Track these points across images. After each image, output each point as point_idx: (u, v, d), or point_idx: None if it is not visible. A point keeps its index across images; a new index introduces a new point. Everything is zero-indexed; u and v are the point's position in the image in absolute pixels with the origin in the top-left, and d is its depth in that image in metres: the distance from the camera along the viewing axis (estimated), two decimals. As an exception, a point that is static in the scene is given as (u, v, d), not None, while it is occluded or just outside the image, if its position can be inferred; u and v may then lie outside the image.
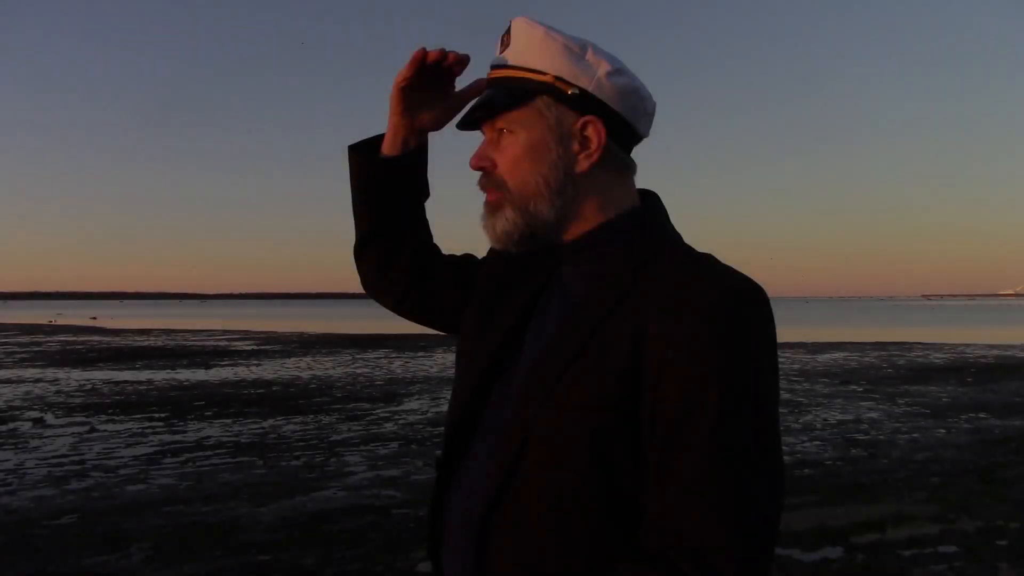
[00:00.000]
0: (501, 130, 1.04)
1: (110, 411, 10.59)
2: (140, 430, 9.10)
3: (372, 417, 10.03)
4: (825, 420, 9.63)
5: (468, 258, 1.28)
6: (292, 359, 19.63)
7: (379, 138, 1.20)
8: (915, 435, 8.58)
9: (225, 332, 35.12)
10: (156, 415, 10.22)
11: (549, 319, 1.04)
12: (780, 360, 1.32)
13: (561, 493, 0.93)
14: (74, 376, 15.37)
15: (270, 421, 9.71)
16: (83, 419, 9.88)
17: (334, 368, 17.04)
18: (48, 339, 29.03)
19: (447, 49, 1.09)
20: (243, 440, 8.42)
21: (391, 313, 1.32)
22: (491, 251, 1.19)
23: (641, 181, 1.10)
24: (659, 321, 0.91)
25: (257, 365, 17.99)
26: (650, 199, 1.09)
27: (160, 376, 15.33)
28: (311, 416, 10.10)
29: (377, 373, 15.83)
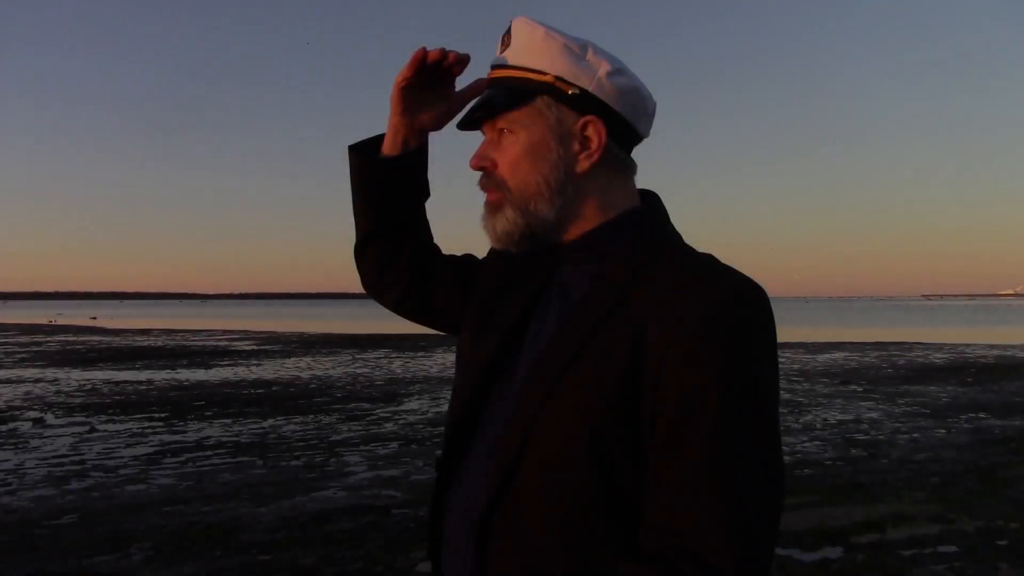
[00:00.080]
0: (501, 130, 1.04)
1: (110, 411, 10.59)
2: (140, 430, 9.11)
3: (372, 417, 10.03)
4: (825, 420, 9.63)
5: (468, 258, 1.28)
6: (292, 359, 19.63)
7: (379, 138, 1.20)
8: (915, 435, 8.58)
9: (225, 332, 35.12)
10: (156, 415, 10.22)
11: (549, 319, 1.04)
12: (780, 360, 1.32)
13: (561, 493, 0.93)
14: (74, 376, 15.38)
15: (270, 421, 9.71)
16: (83, 419, 9.88)
17: (334, 368, 17.04)
18: (48, 339, 29.03)
19: (447, 49, 1.08)
20: (243, 440, 8.42)
21: (391, 313, 1.32)
22: (491, 251, 1.19)
23: (641, 181, 1.10)
24: (659, 321, 0.91)
25: (257, 365, 18.00)
26: (650, 199, 1.09)
27: (160, 376, 15.33)
28: (311, 416, 10.10)
29: (377, 373, 15.83)
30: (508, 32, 1.05)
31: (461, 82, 1.15)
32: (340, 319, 55.45)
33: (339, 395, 12.33)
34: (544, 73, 1.00)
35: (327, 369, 16.84)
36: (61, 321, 50.11)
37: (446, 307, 1.25)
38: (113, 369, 16.92)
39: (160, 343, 26.74)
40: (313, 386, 13.56)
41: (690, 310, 0.90)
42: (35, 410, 10.74)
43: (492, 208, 1.05)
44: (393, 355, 20.40)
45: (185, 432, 8.95)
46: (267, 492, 6.13)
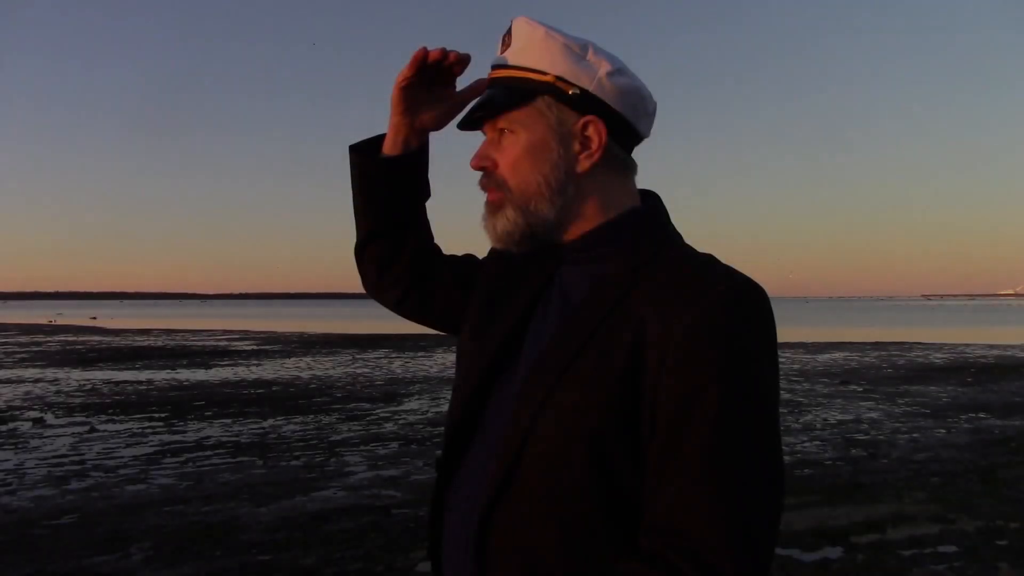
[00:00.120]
0: (502, 130, 1.04)
1: (110, 411, 10.59)
2: (140, 430, 9.11)
3: (372, 417, 10.03)
4: (825, 420, 9.63)
5: (469, 258, 1.28)
6: (292, 359, 19.64)
7: (380, 138, 1.20)
8: (915, 435, 8.58)
9: (225, 332, 35.12)
10: (156, 415, 10.22)
11: (549, 319, 1.04)
12: (780, 360, 1.32)
13: (561, 493, 0.93)
14: (74, 376, 15.38)
15: (270, 421, 9.71)
16: (83, 419, 9.88)
17: (334, 368, 17.04)
18: (48, 339, 29.03)
19: (448, 49, 1.09)
20: (243, 440, 8.42)
21: (391, 313, 1.32)
22: (492, 251, 1.19)
23: (642, 181, 1.10)
24: (659, 321, 0.91)
25: (257, 365, 18.00)
26: (651, 199, 1.08)
27: (160, 376, 15.33)
28: (311, 416, 10.10)
29: (377, 373, 15.84)
30: (508, 32, 1.05)
31: (462, 82, 1.15)
32: (340, 319, 55.44)
33: (339, 395, 12.33)
34: (545, 73, 1.00)
35: (327, 369, 16.84)
36: (61, 321, 50.11)
37: (446, 307, 1.25)
38: (113, 369, 16.92)
39: (160, 343, 26.74)
40: (313, 386, 13.56)
41: (690, 310, 0.90)
42: (35, 410, 10.74)
43: (493, 208, 1.05)
44: (393, 355, 20.40)
45: (185, 432, 8.95)
46: (267, 492, 6.13)
